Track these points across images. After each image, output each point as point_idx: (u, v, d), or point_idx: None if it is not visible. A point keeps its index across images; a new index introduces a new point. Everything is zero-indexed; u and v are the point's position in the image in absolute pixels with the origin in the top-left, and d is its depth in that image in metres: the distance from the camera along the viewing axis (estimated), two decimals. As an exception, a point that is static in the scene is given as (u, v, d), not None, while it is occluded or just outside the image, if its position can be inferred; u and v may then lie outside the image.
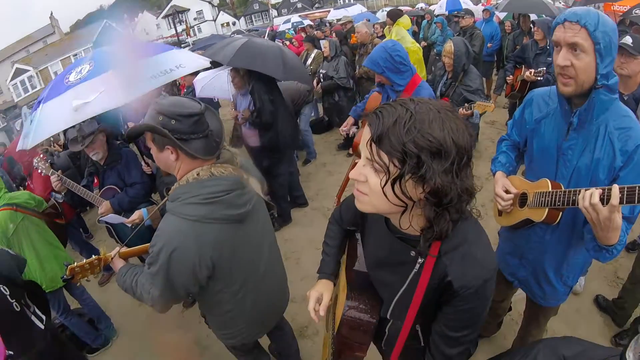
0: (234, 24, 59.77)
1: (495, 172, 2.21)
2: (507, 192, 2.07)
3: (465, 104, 3.91)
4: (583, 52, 1.56)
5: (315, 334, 3.62)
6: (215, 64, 5.07)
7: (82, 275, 2.21)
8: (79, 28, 61.70)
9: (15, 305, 2.53)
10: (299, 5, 58.98)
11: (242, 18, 61.79)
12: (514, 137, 2.22)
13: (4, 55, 44.68)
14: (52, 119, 3.23)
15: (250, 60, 4.46)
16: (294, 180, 5.63)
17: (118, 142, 3.92)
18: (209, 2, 62.15)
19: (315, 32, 11.55)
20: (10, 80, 40.96)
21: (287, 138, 4.90)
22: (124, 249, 2.29)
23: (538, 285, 2.19)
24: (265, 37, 10.74)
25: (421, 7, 14.47)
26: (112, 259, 2.23)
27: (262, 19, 61.45)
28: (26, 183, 5.42)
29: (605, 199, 1.41)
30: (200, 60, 4.37)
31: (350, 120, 4.05)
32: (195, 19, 58.50)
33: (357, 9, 19.03)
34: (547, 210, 1.81)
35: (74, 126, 3.38)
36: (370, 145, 1.06)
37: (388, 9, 9.05)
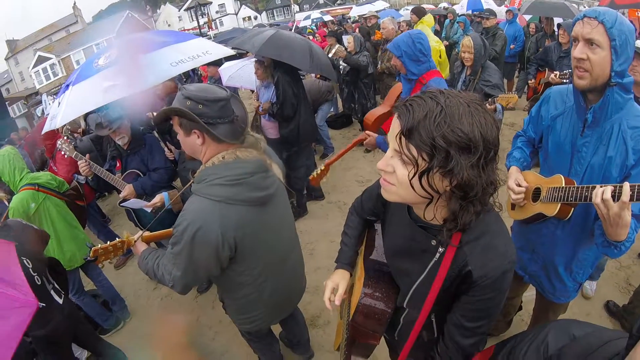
0: (255, 18, 59.96)
1: (510, 167, 2.24)
2: (519, 185, 2.09)
3: (489, 99, 3.88)
4: (599, 46, 1.60)
5: (327, 324, 3.66)
6: (240, 54, 5.11)
7: (105, 258, 2.27)
8: (101, 18, 62.38)
9: (37, 278, 2.60)
10: (321, 1, 58.90)
11: (264, 12, 61.97)
12: (529, 134, 2.25)
13: (27, 42, 45.31)
14: (82, 99, 3.30)
15: (278, 51, 4.50)
16: (310, 174, 5.62)
17: (141, 127, 3.97)
18: (232, -4, 62.46)
19: (344, 26, 11.59)
20: (33, 68, 41.54)
21: (306, 132, 4.95)
22: (147, 233, 2.35)
23: (548, 280, 2.22)
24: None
25: (444, 7, 14.36)
26: (134, 242, 2.29)
27: (284, 13, 61.58)
28: (47, 167, 5.52)
29: (616, 196, 1.45)
30: (225, 48, 4.43)
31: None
32: (217, 12, 58.75)
33: (380, 5, 18.86)
34: (559, 205, 1.84)
35: (94, 112, 3.45)
36: (400, 138, 1.06)
37: (411, 7, 9.01)
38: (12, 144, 9.18)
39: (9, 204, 3.50)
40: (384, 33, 6.51)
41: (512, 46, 8.32)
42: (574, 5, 8.12)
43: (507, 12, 9.18)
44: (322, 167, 3.46)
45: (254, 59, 4.94)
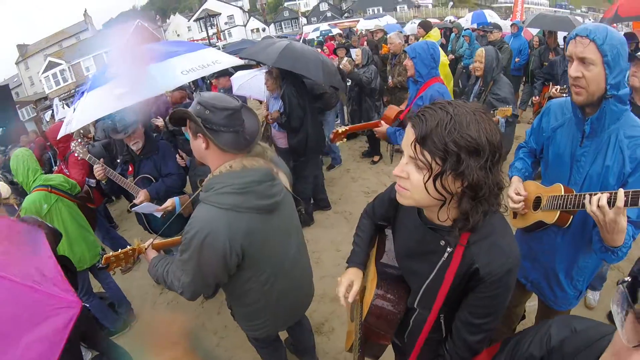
0: (263, 30, 60.25)
1: (512, 176, 2.32)
2: (518, 194, 2.16)
3: (490, 112, 3.95)
4: (592, 64, 1.68)
5: (331, 331, 3.69)
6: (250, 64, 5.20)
7: (117, 265, 2.35)
8: (111, 26, 62.92)
9: None
10: (329, 14, 59.33)
11: (272, 25, 62.28)
12: (531, 145, 2.33)
13: (37, 48, 45.75)
14: (96, 105, 3.42)
15: (293, 63, 4.58)
16: (318, 184, 5.74)
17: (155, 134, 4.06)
18: (240, 8, 62.87)
19: (352, 41, 11.74)
20: (43, 73, 41.90)
21: (313, 143, 5.02)
22: (157, 240, 2.42)
23: (549, 288, 2.27)
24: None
25: (450, 20, 14.49)
26: (145, 249, 2.36)
27: (292, 26, 61.90)
28: (54, 170, 5.60)
29: (612, 202, 1.52)
30: (233, 58, 4.53)
31: None
32: (226, 23, 59.10)
33: (388, 20, 18.98)
34: (558, 212, 1.91)
35: (102, 119, 3.55)
36: (415, 145, 1.17)
37: (417, 21, 9.09)
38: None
39: (19, 208, 3.57)
40: (392, 47, 6.57)
41: (517, 59, 8.40)
42: (579, 18, 8.22)
43: (511, 25, 9.30)
44: (346, 128, 3.76)
45: (264, 70, 5.03)
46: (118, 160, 3.96)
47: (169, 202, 3.47)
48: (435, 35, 7.88)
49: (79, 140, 3.86)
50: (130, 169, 3.75)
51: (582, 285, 2.21)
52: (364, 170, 7.20)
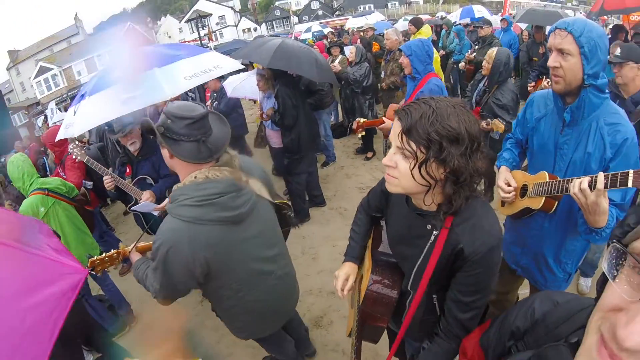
0: (255, 29, 60.10)
1: (500, 166, 2.41)
2: (508, 184, 2.26)
3: (488, 119, 4.02)
4: (570, 54, 1.80)
5: (330, 324, 3.75)
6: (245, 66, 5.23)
7: (102, 267, 2.41)
8: (102, 29, 62.70)
9: None
10: (320, 12, 59.22)
11: (264, 24, 62.12)
12: (517, 136, 2.43)
13: (29, 53, 45.54)
14: (100, 110, 3.41)
15: (286, 62, 4.65)
16: (313, 181, 5.80)
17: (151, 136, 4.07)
18: (231, 8, 62.72)
19: (343, 39, 11.78)
20: (34, 78, 41.74)
21: (307, 140, 5.09)
22: (141, 244, 2.48)
23: (539, 272, 2.35)
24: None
25: (441, 16, 14.56)
26: (129, 252, 2.42)
27: (283, 25, 61.77)
28: (48, 175, 5.62)
29: (593, 185, 1.61)
30: (234, 62, 4.54)
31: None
32: (217, 23, 58.93)
33: (376, 17, 18.95)
34: (544, 198, 2.01)
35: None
36: (401, 136, 1.29)
37: (409, 17, 9.13)
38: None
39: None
40: (388, 44, 6.59)
41: (507, 53, 8.43)
42: (570, 11, 8.34)
43: (501, 20, 9.38)
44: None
45: (255, 72, 5.09)
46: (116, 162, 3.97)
47: (166, 202, 3.49)
48: (426, 32, 7.91)
49: (77, 142, 3.89)
50: (127, 170, 3.77)
51: (571, 268, 2.30)
52: (358, 166, 7.27)
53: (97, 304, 4.03)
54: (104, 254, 2.38)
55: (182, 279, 1.98)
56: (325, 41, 12.44)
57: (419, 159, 1.28)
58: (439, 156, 1.26)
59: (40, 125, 19.11)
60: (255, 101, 7.98)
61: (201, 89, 8.11)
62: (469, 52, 7.98)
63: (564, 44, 1.81)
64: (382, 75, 6.78)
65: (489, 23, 8.22)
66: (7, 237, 1.52)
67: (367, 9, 43.88)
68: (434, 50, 6.53)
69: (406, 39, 7.53)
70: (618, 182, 1.54)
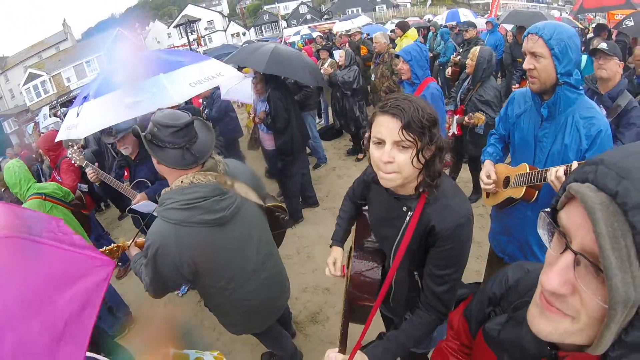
0: (244, 34, 60.07)
1: (484, 160, 2.57)
2: (489, 177, 2.43)
3: (470, 114, 4.17)
4: (542, 57, 1.98)
5: (326, 320, 3.85)
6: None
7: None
8: (91, 35, 62.40)
9: None
10: (308, 16, 59.27)
11: (252, 29, 62.04)
12: (500, 131, 2.58)
13: (17, 60, 45.12)
14: (104, 113, 3.47)
15: (282, 68, 4.77)
16: (306, 181, 5.91)
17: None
18: (220, 13, 62.65)
19: (334, 41, 11.92)
20: (24, 85, 41.40)
21: (299, 142, 5.21)
22: (140, 239, 2.59)
23: (525, 259, 2.48)
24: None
25: (428, 19, 14.74)
26: (128, 247, 2.54)
27: (272, 29, 61.71)
28: (42, 181, 5.67)
29: (568, 173, 1.77)
30: (235, 71, 4.64)
31: None
32: (206, 28, 58.75)
33: (363, 20, 18.96)
34: (524, 188, 2.17)
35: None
36: (401, 131, 1.41)
37: (397, 20, 9.26)
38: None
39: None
40: (377, 47, 6.72)
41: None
42: (556, 12, 8.54)
43: (486, 23, 9.56)
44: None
45: (250, 76, 5.18)
46: (114, 165, 4.03)
47: None
48: (412, 35, 8.05)
49: (75, 147, 3.96)
50: (125, 173, 3.84)
51: (556, 254, 2.44)
52: (349, 167, 7.39)
53: (96, 304, 4.06)
54: (105, 248, 2.46)
55: (170, 276, 2.11)
56: (314, 44, 12.56)
57: (419, 146, 1.43)
58: (432, 139, 1.45)
59: (30, 132, 19.01)
60: (242, 104, 8.07)
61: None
62: (454, 55, 8.14)
63: (535, 48, 1.98)
64: (372, 78, 6.89)
65: (473, 25, 8.37)
66: (38, 234, 1.60)
67: (355, 12, 44.08)
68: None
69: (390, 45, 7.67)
70: None
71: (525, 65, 2.06)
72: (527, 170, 2.17)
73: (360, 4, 56.72)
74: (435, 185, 1.54)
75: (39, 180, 6.48)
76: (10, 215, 1.77)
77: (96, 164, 3.75)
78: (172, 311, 3.66)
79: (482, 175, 2.46)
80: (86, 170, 3.74)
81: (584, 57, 5.18)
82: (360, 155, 7.52)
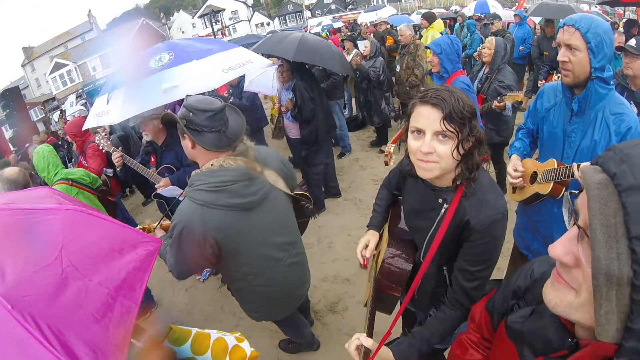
0: (268, 24, 60.03)
1: (511, 155, 2.54)
2: (516, 170, 2.40)
3: (498, 97, 4.12)
4: (577, 50, 1.94)
5: (345, 310, 3.87)
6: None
7: None
8: (116, 25, 63.09)
9: None
10: (333, 6, 58.80)
11: (276, 19, 61.95)
12: (528, 126, 2.55)
13: (43, 49, 45.91)
14: (140, 98, 3.55)
15: (311, 56, 4.76)
16: (330, 172, 5.92)
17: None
18: (244, 3, 62.68)
19: (359, 31, 11.86)
20: (50, 74, 42.20)
21: (324, 132, 5.20)
22: (166, 221, 2.65)
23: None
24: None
25: (455, 10, 14.51)
26: (154, 229, 2.60)
27: (296, 19, 61.57)
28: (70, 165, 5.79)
29: None
30: (263, 59, 4.68)
31: None
32: (230, 18, 58.89)
33: (388, 11, 18.81)
34: (552, 184, 2.14)
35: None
36: (442, 121, 1.40)
37: (422, 11, 9.15)
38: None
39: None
40: (402, 39, 6.64)
41: (521, 48, 8.50)
42: (585, 5, 8.34)
43: (514, 16, 9.38)
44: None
45: (274, 65, 5.19)
46: (141, 150, 4.09)
47: None
48: (438, 27, 7.93)
49: (103, 133, 4.03)
50: (152, 159, 3.89)
51: (580, 252, 2.39)
52: (372, 159, 7.37)
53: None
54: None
55: (194, 257, 2.14)
56: (339, 34, 12.51)
57: (460, 137, 1.42)
58: (472, 130, 1.44)
59: (56, 120, 19.35)
60: (266, 97, 8.10)
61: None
62: (480, 47, 8.00)
63: (571, 40, 1.94)
64: (397, 69, 6.83)
65: (498, 18, 8.23)
66: (87, 207, 1.68)
67: (380, 2, 43.64)
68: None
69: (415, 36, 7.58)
70: None
71: (560, 57, 2.02)
72: (555, 166, 2.14)
73: (386, -6, 56.11)
74: (473, 178, 1.53)
75: (65, 167, 6.62)
76: (67, 199, 1.88)
77: (120, 148, 3.78)
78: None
79: (510, 169, 2.44)
80: (112, 154, 3.80)
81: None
82: (383, 147, 7.44)
